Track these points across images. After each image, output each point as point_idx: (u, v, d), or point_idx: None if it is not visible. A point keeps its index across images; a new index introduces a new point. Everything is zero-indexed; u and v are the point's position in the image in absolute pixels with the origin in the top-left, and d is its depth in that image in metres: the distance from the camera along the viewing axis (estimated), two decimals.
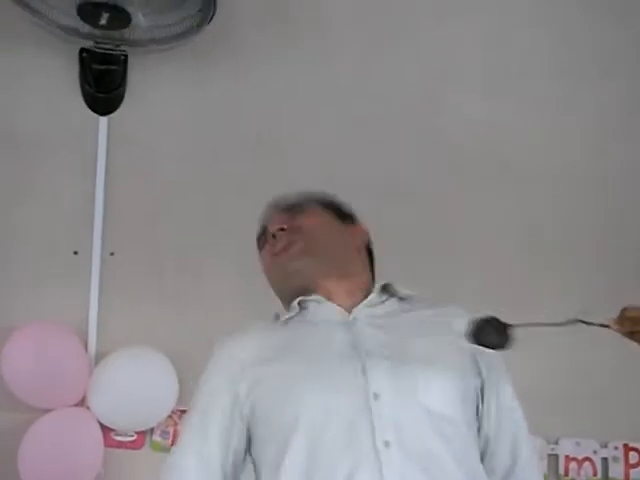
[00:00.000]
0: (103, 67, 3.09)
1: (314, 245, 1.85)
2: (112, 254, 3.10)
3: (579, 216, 3.11)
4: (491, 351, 1.71)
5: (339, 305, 1.82)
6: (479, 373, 1.78)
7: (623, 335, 1.65)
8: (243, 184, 3.12)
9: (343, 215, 1.96)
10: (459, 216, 3.09)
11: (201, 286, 3.08)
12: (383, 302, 1.85)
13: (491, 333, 1.68)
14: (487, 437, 1.80)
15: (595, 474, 2.92)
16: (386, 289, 1.87)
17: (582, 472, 2.87)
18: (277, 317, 1.88)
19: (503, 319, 1.64)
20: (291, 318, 1.84)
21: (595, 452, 2.93)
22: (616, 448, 2.94)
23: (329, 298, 1.83)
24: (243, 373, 1.76)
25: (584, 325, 1.60)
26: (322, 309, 1.82)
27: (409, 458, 1.61)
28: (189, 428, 1.81)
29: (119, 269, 3.10)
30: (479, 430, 1.79)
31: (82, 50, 3.06)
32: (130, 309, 3.06)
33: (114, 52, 3.04)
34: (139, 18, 2.83)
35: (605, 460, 2.94)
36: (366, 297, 1.84)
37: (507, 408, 1.82)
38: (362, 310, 1.81)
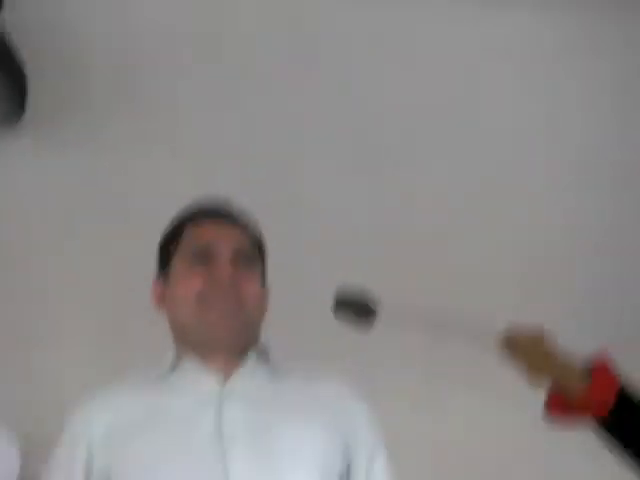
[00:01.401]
0: None
1: (247, 323, 1.76)
2: None
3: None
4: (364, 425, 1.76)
5: (215, 370, 1.75)
6: (345, 453, 1.74)
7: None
8: (103, 247, 3.09)
9: (264, 271, 1.88)
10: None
11: (52, 359, 3.01)
12: (257, 370, 1.79)
13: (350, 311, 1.78)
14: None
15: None
16: (260, 355, 1.81)
17: None
18: (145, 374, 1.81)
19: None
20: (160, 378, 1.77)
21: None
22: None
23: (208, 365, 1.75)
24: (97, 444, 1.69)
25: None
26: (197, 374, 1.75)
27: None
28: None
29: None
30: None
31: None
32: None
33: None
34: None
35: None
36: (241, 360, 1.77)
37: None
38: (236, 381, 1.74)
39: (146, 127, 3.18)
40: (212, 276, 1.74)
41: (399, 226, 3.13)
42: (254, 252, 1.84)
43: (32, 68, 2.83)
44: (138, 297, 2.98)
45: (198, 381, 1.75)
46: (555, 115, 3.23)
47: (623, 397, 1.75)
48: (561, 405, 1.79)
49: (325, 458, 1.70)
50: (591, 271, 3.16)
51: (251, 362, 1.78)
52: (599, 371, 1.77)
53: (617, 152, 3.22)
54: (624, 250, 3.17)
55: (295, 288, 2.74)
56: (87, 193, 3.15)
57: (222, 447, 1.64)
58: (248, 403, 1.71)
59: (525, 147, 3.23)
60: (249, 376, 1.77)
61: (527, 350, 1.76)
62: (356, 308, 1.82)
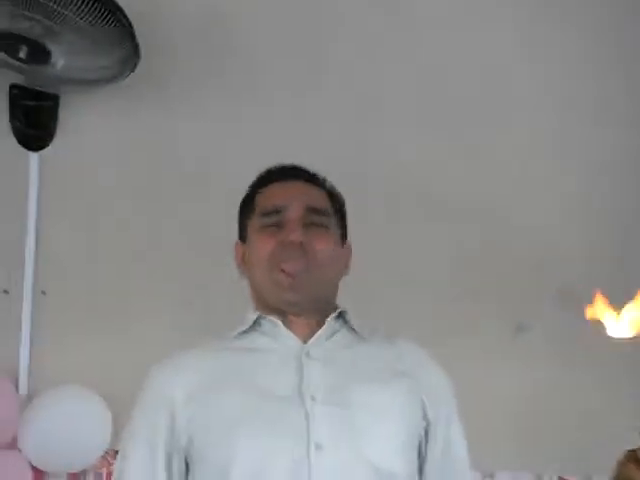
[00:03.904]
0: (34, 103, 3.06)
1: (318, 285, 1.74)
2: (44, 293, 3.06)
3: (509, 252, 3.14)
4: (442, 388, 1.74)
5: (295, 334, 1.75)
6: (424, 416, 1.74)
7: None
8: (180, 219, 3.11)
9: (344, 230, 1.87)
10: (393, 250, 3.10)
11: (135, 324, 3.04)
12: (336, 332, 1.78)
13: None
14: (427, 474, 1.77)
15: None
16: (340, 317, 1.80)
17: None
18: (222, 337, 1.82)
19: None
20: (244, 332, 1.78)
21: None
22: None
23: (288, 326, 1.76)
24: (179, 404, 1.70)
25: None
26: (277, 335, 1.76)
27: None
28: (133, 462, 1.74)
29: (51, 308, 3.06)
30: (420, 469, 1.75)
31: (12, 86, 3.04)
32: (62, 348, 3.02)
33: (45, 90, 3.03)
34: (58, 57, 2.80)
35: None
36: (322, 321, 1.77)
37: (451, 447, 1.79)
38: (316, 343, 1.74)
39: (235, 92, 3.19)
40: (282, 238, 1.74)
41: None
42: (328, 210, 1.82)
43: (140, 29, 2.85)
44: (219, 260, 3.06)
45: (278, 342, 1.75)
46: None
47: None
48: None
49: (405, 420, 1.70)
50: None
51: (331, 324, 1.77)
52: None
53: None
54: None
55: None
56: (171, 154, 3.17)
57: (303, 406, 1.65)
58: (328, 364, 1.71)
59: None
60: (329, 338, 1.76)
61: None
62: None
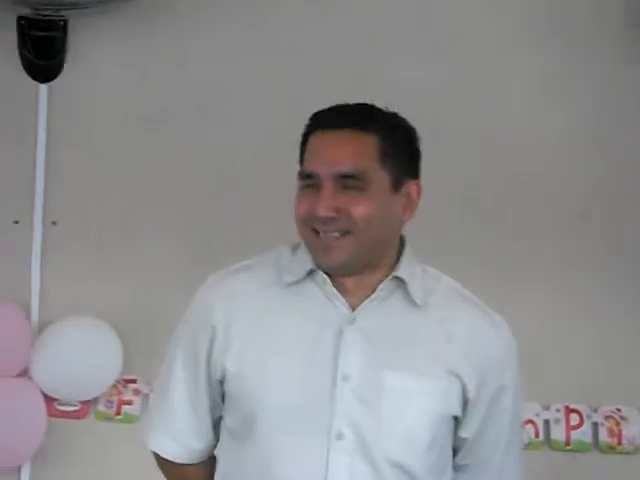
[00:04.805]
0: (42, 34, 3.05)
1: (356, 249, 1.64)
2: (54, 223, 3.07)
3: (514, 181, 3.11)
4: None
5: (345, 296, 1.68)
6: (463, 396, 1.67)
7: None
8: (188, 148, 3.09)
9: (407, 170, 1.72)
10: None
11: (145, 254, 3.06)
12: (390, 296, 1.69)
13: None
14: (462, 442, 1.72)
15: (537, 436, 2.93)
16: (397, 282, 1.70)
17: (524, 434, 2.91)
18: (294, 249, 1.73)
19: None
20: (296, 283, 1.70)
21: (537, 414, 2.94)
22: (557, 410, 2.96)
23: (339, 285, 1.68)
24: (219, 332, 1.68)
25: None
26: (325, 294, 1.68)
27: None
28: (177, 379, 1.74)
29: (61, 238, 3.08)
30: (455, 433, 1.71)
31: (20, 18, 3.02)
32: (73, 278, 3.05)
33: (53, 18, 3.01)
34: None
35: (547, 422, 2.96)
36: (378, 279, 1.69)
37: (497, 423, 1.72)
38: (364, 311, 1.67)
39: (244, 27, 3.13)
40: (315, 204, 1.65)
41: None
42: (374, 164, 1.66)
43: None
44: (226, 190, 3.06)
45: (324, 299, 1.69)
46: None
47: None
48: None
49: (438, 401, 1.65)
50: None
51: (384, 290, 1.69)
52: None
53: None
54: None
55: None
56: (182, 81, 3.14)
57: (334, 384, 1.62)
58: (370, 338, 1.65)
59: None
60: (378, 306, 1.69)
61: None
62: None
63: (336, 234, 1.63)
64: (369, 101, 1.72)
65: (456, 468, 1.74)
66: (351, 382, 1.62)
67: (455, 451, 1.73)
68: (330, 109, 1.72)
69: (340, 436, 1.61)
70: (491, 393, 1.70)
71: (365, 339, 1.65)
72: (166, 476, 1.83)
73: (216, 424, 1.76)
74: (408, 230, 1.74)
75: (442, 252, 2.48)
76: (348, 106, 1.71)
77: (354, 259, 1.66)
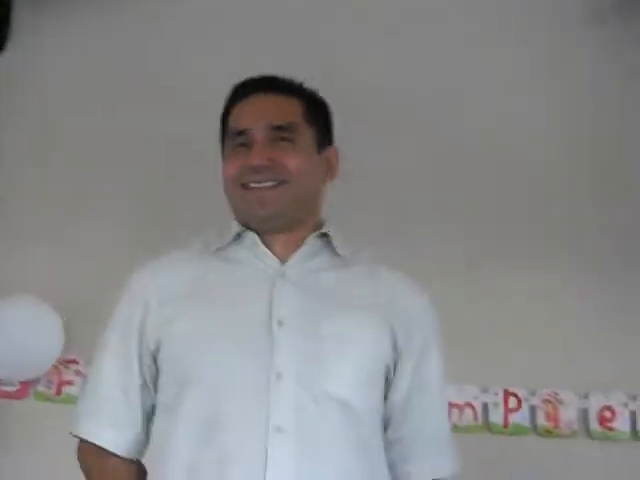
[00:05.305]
0: None
1: (289, 199, 1.70)
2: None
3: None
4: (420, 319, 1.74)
5: (275, 253, 1.73)
6: (394, 347, 1.72)
7: None
8: (135, 125, 3.08)
9: (326, 136, 1.82)
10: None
11: (88, 235, 3.04)
12: (318, 254, 1.76)
13: None
14: (394, 406, 1.74)
15: (476, 419, 2.97)
16: (323, 236, 1.76)
17: (463, 417, 2.94)
18: (206, 244, 1.79)
19: None
20: (221, 248, 1.75)
21: (476, 397, 2.98)
22: (496, 394, 2.99)
23: (268, 244, 1.73)
24: (152, 307, 1.71)
25: None
26: (257, 252, 1.73)
27: (302, 446, 1.59)
28: (109, 354, 1.75)
29: (6, 215, 3.05)
30: (386, 398, 1.73)
31: None
32: (15, 257, 3.02)
33: None
34: None
35: (485, 405, 2.99)
36: (304, 239, 1.75)
37: (422, 380, 1.75)
38: (294, 264, 1.72)
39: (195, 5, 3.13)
40: (246, 161, 1.72)
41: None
42: (297, 123, 1.76)
43: None
44: (173, 168, 3.04)
45: (254, 260, 1.73)
46: None
47: None
48: None
49: (372, 347, 1.69)
50: None
51: (311, 245, 1.75)
52: None
53: None
54: None
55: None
56: (133, 57, 3.14)
57: (270, 330, 1.65)
58: (302, 289, 1.70)
59: None
60: (309, 259, 1.74)
61: None
62: None
63: (270, 183, 1.70)
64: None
65: (388, 446, 1.74)
66: (286, 327, 1.65)
67: (387, 425, 1.74)
68: (253, 79, 1.81)
69: (279, 376, 1.61)
70: (418, 350, 1.74)
71: (297, 289, 1.70)
72: (89, 471, 1.76)
73: (146, 418, 1.73)
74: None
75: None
76: (270, 76, 1.81)
77: (288, 211, 1.72)
